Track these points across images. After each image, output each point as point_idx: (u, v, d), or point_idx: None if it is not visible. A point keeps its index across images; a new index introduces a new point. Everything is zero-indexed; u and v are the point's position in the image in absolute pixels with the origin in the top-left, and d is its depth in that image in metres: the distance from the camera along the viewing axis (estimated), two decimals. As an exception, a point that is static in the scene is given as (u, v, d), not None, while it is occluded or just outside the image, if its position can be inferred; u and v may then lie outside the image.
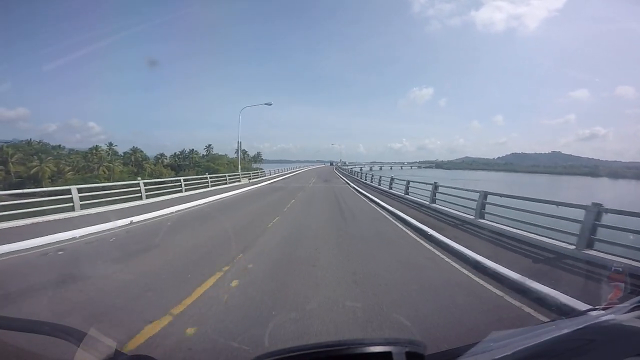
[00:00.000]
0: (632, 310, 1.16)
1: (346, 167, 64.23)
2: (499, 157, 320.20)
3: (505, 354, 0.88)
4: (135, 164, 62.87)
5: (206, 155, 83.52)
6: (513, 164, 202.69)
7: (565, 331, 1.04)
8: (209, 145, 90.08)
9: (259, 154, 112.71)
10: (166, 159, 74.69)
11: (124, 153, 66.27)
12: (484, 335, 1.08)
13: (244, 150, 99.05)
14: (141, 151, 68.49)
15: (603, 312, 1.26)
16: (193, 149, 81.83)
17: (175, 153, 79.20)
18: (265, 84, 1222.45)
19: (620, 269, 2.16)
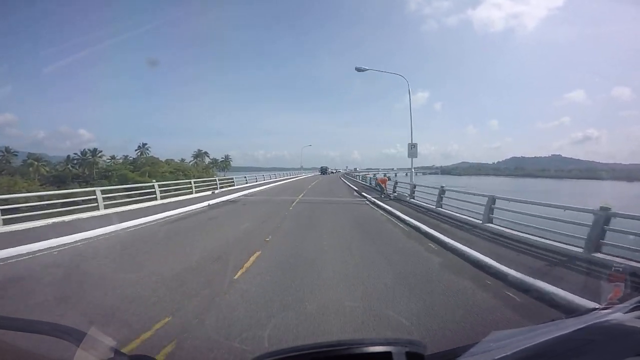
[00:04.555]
0: (632, 310, 1.16)
1: (356, 174, 46.83)
2: (499, 162, 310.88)
3: (505, 354, 0.88)
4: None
5: (135, 159, 54.42)
6: (524, 168, 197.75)
7: (566, 331, 1.04)
8: (144, 144, 61.41)
9: (226, 157, 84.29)
10: (45, 165, 49.61)
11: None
12: (484, 334, 1.08)
13: (205, 152, 74.59)
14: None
15: (603, 312, 1.25)
16: (96, 149, 53.19)
17: (69, 156, 52.95)
18: (257, 91, 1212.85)
19: (621, 269, 2.15)
